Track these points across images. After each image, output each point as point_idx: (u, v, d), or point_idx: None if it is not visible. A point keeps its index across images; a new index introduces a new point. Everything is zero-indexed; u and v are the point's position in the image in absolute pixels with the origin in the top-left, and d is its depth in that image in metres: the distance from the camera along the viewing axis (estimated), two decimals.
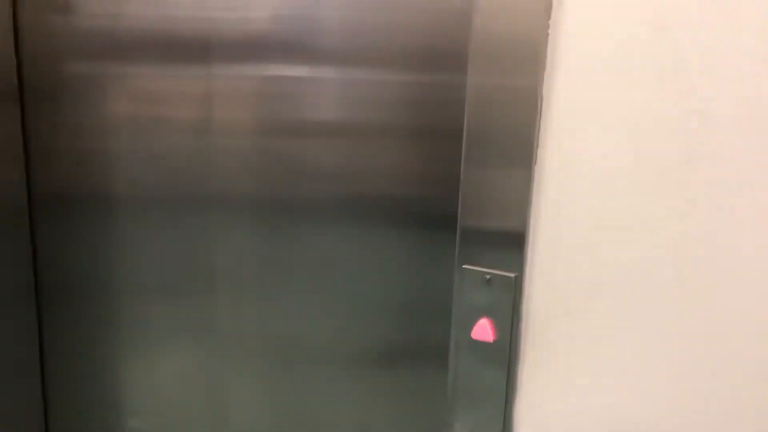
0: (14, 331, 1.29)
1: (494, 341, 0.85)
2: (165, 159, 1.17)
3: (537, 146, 0.79)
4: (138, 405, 1.28)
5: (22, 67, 1.23)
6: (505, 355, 0.84)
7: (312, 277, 1.09)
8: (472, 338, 0.85)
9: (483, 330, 0.84)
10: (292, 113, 1.05)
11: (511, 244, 0.82)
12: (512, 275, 0.82)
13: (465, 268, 0.85)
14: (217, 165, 1.13)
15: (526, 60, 0.78)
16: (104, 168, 1.21)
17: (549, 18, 0.76)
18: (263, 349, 1.17)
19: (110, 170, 1.21)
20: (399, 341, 1.04)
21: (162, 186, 1.18)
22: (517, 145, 0.80)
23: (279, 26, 1.03)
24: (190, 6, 1.09)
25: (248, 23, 1.06)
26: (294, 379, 1.15)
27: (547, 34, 0.77)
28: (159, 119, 1.16)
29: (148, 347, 1.26)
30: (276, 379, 1.17)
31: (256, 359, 1.17)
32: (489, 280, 0.84)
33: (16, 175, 1.26)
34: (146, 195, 1.20)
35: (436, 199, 0.96)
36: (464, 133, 0.82)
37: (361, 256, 1.04)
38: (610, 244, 0.78)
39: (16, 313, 1.29)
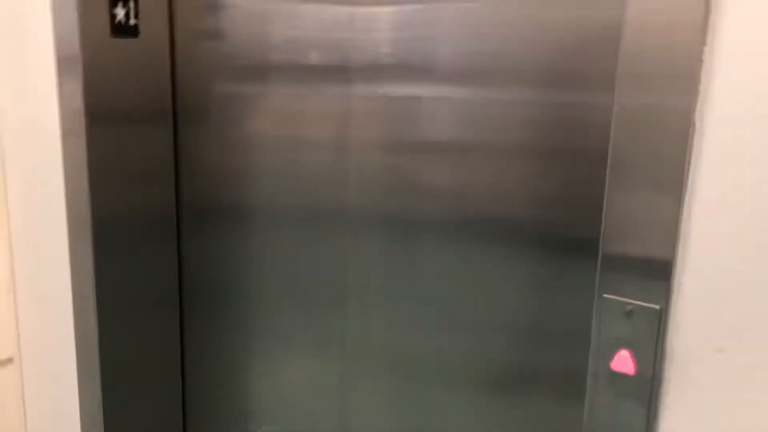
0: (158, 333, 1.38)
1: (635, 374, 0.81)
2: (301, 175, 1.21)
3: (689, 171, 0.76)
4: (269, 411, 1.34)
5: (177, 90, 1.32)
6: (646, 390, 0.81)
7: (444, 296, 1.09)
8: (611, 369, 0.82)
9: (624, 361, 0.81)
10: (431, 133, 1.06)
11: (657, 274, 0.79)
12: (657, 307, 0.79)
13: (606, 297, 0.82)
14: (350, 182, 1.17)
15: (679, 80, 0.75)
16: (246, 183, 1.28)
17: (705, 35, 0.73)
18: (389, 364, 1.18)
19: (251, 186, 1.27)
20: (529, 367, 1.02)
21: (298, 201, 1.23)
22: (667, 169, 0.77)
23: (417, 47, 1.04)
24: (330, 28, 1.12)
25: (384, 45, 1.08)
26: (418, 397, 1.15)
27: (703, 52, 0.74)
28: (297, 137, 1.21)
29: (281, 356, 1.30)
30: (400, 394, 1.18)
31: (383, 374, 1.19)
32: (630, 311, 0.80)
33: (167, 190, 1.35)
34: (283, 210, 1.25)
35: (575, 223, 0.94)
36: (609, 155, 0.80)
37: (494, 278, 1.04)
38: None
39: (161, 316, 1.38)
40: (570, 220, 0.95)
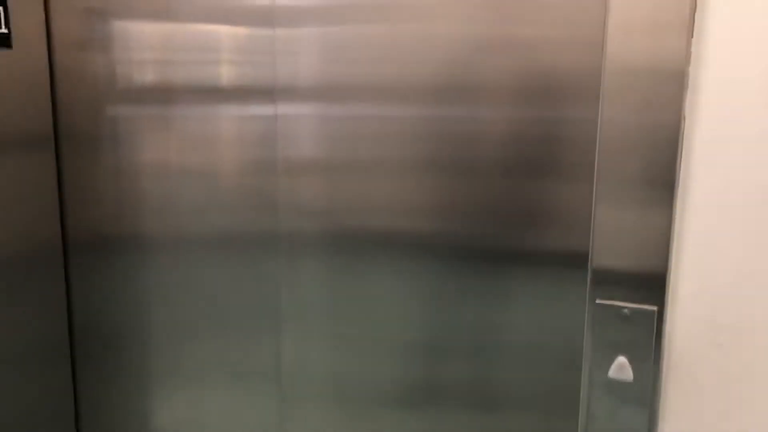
0: (46, 388, 1.19)
1: (634, 380, 0.80)
2: (202, 200, 1.11)
3: (679, 180, 0.76)
4: None
5: (58, 110, 1.15)
6: (646, 394, 0.79)
7: (400, 316, 1.03)
8: (608, 378, 0.80)
9: (622, 368, 0.79)
10: (386, 151, 1.00)
11: (652, 276, 0.78)
12: (653, 308, 0.78)
13: (600, 303, 0.80)
14: (256, 205, 1.09)
15: (665, 93, 0.75)
16: (141, 211, 1.15)
17: (690, 47, 0.74)
18: (330, 394, 1.09)
19: (147, 213, 1.15)
20: (514, 382, 0.98)
21: (202, 227, 1.12)
22: (657, 180, 0.76)
23: (331, 66, 0.98)
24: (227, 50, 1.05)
25: (291, 64, 1.01)
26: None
27: (689, 64, 0.74)
28: (196, 160, 1.11)
29: (201, 397, 1.17)
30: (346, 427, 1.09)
31: (323, 405, 1.10)
32: (627, 315, 0.79)
33: (51, 222, 1.17)
34: (188, 237, 1.13)
35: (565, 234, 0.91)
36: (596, 170, 0.79)
37: (449, 295, 0.99)
38: (761, 273, 0.75)
39: (50, 363, 1.19)
40: (560, 232, 0.92)
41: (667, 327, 0.79)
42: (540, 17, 0.89)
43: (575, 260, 0.88)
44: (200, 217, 1.12)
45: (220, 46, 1.06)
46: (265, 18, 1.02)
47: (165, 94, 1.10)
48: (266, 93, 1.05)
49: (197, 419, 1.19)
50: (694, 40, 0.74)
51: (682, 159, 0.76)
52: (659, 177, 0.77)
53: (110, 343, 1.20)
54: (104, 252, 1.17)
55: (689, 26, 0.74)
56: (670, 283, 0.78)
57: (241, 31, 1.05)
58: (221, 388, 1.15)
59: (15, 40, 1.08)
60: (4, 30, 1.07)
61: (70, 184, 1.17)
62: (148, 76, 1.11)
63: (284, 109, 1.04)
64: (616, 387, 0.81)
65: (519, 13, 0.90)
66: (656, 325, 0.78)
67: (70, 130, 1.15)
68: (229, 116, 1.08)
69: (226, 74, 1.07)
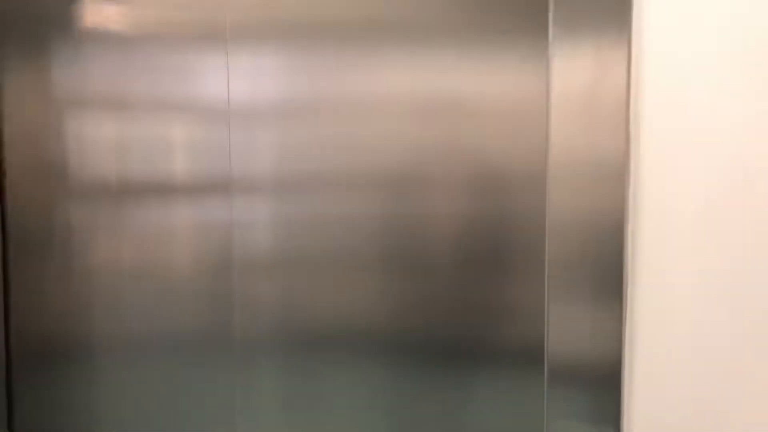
0: None
1: None
2: (156, 303, 1.08)
3: (626, 287, 0.75)
4: None
5: (6, 210, 1.12)
6: None
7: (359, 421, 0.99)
8: None
9: None
10: (326, 244, 0.98)
11: (606, 397, 0.75)
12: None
13: (557, 423, 0.77)
14: (205, 306, 1.06)
15: (608, 187, 0.75)
16: (91, 316, 1.11)
17: (628, 134, 0.73)
18: None
19: (97, 317, 1.11)
20: None
21: (152, 332, 1.09)
22: (605, 278, 0.76)
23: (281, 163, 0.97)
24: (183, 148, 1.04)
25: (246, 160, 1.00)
26: None
27: (629, 159, 0.74)
28: (151, 261, 1.08)
29: None
30: None
31: None
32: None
33: None
34: (136, 342, 1.10)
35: (519, 330, 0.89)
36: (546, 266, 0.77)
37: (405, 400, 0.95)
38: (714, 374, 0.72)
39: None
40: (504, 328, 0.91)
41: None
42: (487, 116, 0.90)
43: (531, 355, 0.87)
44: (153, 318, 1.09)
45: (176, 143, 1.05)
46: (221, 116, 1.01)
47: (118, 192, 1.08)
48: (221, 190, 1.03)
49: None
50: (632, 136, 0.75)
51: (628, 252, 0.74)
52: (607, 273, 0.75)
53: None
54: (51, 360, 1.13)
55: (626, 122, 0.75)
56: (624, 403, 0.75)
57: (197, 128, 1.04)
58: None
59: None
60: None
61: (16, 288, 1.13)
62: (101, 173, 1.09)
63: (239, 206, 1.02)
64: None
65: (467, 115, 0.91)
66: None
67: (19, 230, 1.13)
68: (184, 214, 1.06)
69: (182, 172, 1.05)
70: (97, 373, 1.11)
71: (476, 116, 0.90)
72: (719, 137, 0.73)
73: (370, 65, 0.94)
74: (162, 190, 1.06)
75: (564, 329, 0.78)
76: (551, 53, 0.78)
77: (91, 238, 1.11)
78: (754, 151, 0.72)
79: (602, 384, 0.77)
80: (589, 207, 0.77)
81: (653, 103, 0.74)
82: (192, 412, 1.09)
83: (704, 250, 0.74)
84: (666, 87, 0.74)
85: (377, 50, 0.93)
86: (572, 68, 0.77)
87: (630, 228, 0.76)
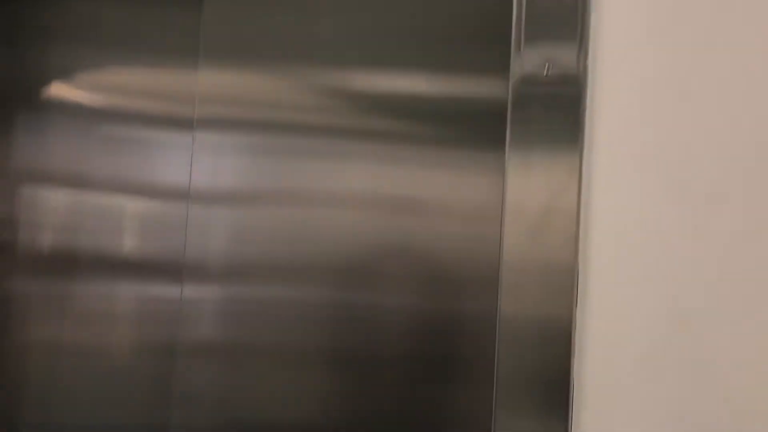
0: None
1: None
2: (92, 388, 1.04)
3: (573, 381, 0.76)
4: None
5: None
6: None
7: None
8: None
9: None
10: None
11: None
12: None
13: None
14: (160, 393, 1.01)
15: (557, 288, 0.77)
16: (23, 399, 1.04)
17: (578, 245, 0.77)
18: None
19: (30, 401, 1.05)
20: None
21: (86, 419, 1.04)
22: (552, 382, 0.77)
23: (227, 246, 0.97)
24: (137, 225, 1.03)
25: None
26: None
27: (577, 260, 0.77)
28: (86, 343, 1.04)
29: None
30: None
31: None
32: None
33: None
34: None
35: None
36: (495, 370, 0.78)
37: None
38: None
39: None
40: None
41: None
42: (441, 215, 0.92)
43: None
44: (88, 404, 1.04)
45: (133, 220, 1.04)
46: (182, 196, 1.01)
47: (67, 267, 1.05)
48: (173, 271, 1.01)
49: None
50: (581, 237, 0.78)
51: (575, 357, 0.76)
52: (554, 379, 0.76)
53: None
54: None
55: (575, 238, 0.78)
56: None
57: (157, 206, 1.03)
58: None
59: None
60: None
61: None
62: (52, 246, 1.06)
63: (190, 288, 1.00)
64: None
65: (424, 216, 0.93)
66: None
67: None
68: (132, 294, 1.04)
69: (136, 248, 1.04)
70: None
71: (433, 217, 0.93)
72: (662, 244, 0.77)
73: (333, 163, 0.96)
74: (112, 267, 1.04)
75: None
76: (507, 166, 0.82)
77: (32, 312, 1.07)
78: (691, 282, 0.76)
79: None
80: (539, 314, 0.78)
81: (600, 219, 0.78)
82: None
83: (648, 368, 0.76)
84: (613, 207, 0.78)
85: (341, 149, 0.96)
86: (526, 182, 0.80)
87: (576, 340, 0.77)
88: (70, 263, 1.05)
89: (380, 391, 0.94)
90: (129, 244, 1.04)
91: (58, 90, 1.06)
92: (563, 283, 0.78)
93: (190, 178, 1.00)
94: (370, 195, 0.95)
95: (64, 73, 1.06)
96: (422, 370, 0.92)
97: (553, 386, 0.77)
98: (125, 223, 1.04)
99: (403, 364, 0.93)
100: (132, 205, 1.04)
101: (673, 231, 0.76)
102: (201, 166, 1.00)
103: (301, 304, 0.97)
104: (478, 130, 0.92)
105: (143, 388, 1.02)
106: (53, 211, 1.06)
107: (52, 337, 1.05)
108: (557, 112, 0.80)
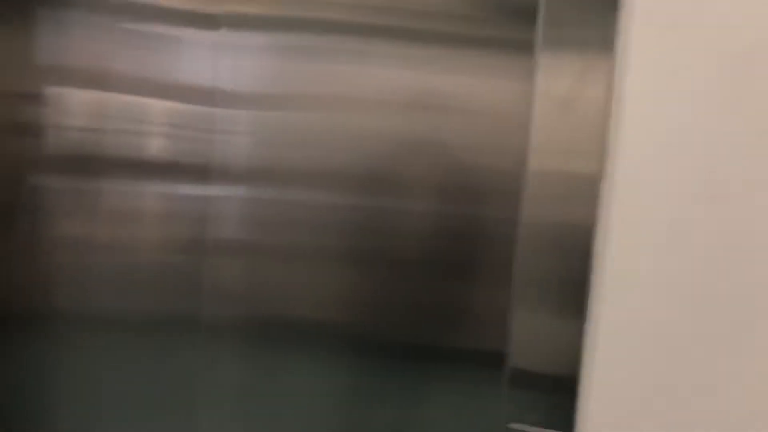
0: None
1: None
2: (128, 280, 1.08)
3: (591, 299, 0.78)
4: None
5: None
6: None
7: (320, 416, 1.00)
8: None
9: None
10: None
11: (563, 404, 0.78)
12: None
13: (512, 427, 0.80)
14: (189, 288, 1.05)
15: (582, 200, 0.78)
16: (55, 288, 1.10)
17: (606, 157, 0.77)
18: None
19: (61, 290, 1.10)
20: None
21: (118, 308, 1.08)
22: (570, 287, 0.79)
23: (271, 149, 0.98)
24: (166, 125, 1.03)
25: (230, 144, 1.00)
26: None
27: (604, 172, 0.77)
28: (121, 237, 1.07)
29: None
30: None
31: None
32: None
33: None
34: (99, 318, 1.09)
35: (481, 334, 0.91)
36: (513, 272, 0.80)
37: (370, 397, 0.97)
38: (668, 407, 0.76)
39: None
40: (466, 331, 0.93)
41: None
42: (467, 118, 0.91)
43: (491, 360, 0.89)
44: (119, 296, 1.08)
45: (158, 120, 1.04)
46: (208, 97, 1.01)
47: (95, 166, 1.06)
48: (201, 171, 1.03)
49: None
50: (608, 156, 0.78)
51: (595, 264, 0.77)
52: (574, 286, 0.79)
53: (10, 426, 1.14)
54: (9, 328, 1.11)
55: (604, 135, 0.78)
56: (581, 411, 0.78)
57: (182, 107, 1.03)
58: None
59: None
60: None
61: None
62: (79, 145, 1.08)
63: (218, 188, 1.02)
64: None
65: (450, 114, 0.92)
66: None
67: None
68: (161, 192, 1.06)
69: (162, 149, 1.05)
70: (57, 348, 1.10)
71: (458, 115, 0.92)
72: (694, 152, 0.76)
73: (356, 60, 0.95)
74: (141, 165, 1.06)
75: (526, 334, 0.81)
76: (538, 58, 0.80)
77: (61, 210, 1.09)
78: (727, 169, 0.75)
79: (560, 389, 0.80)
80: (561, 217, 0.80)
81: (632, 116, 0.77)
82: (151, 393, 1.08)
83: (670, 263, 0.77)
84: (645, 100, 0.76)
85: (364, 45, 0.95)
86: (557, 75, 0.79)
87: (600, 241, 0.78)
88: (96, 163, 1.06)
89: (398, 289, 0.97)
90: (155, 144, 1.05)
91: None
92: (588, 184, 0.78)
93: (215, 78, 1.00)
94: (397, 95, 0.94)
95: None
96: (442, 269, 0.95)
97: (572, 283, 0.79)
98: (152, 123, 1.04)
99: (423, 263, 0.95)
100: (158, 105, 1.04)
101: (709, 119, 0.75)
102: (225, 65, 1.00)
103: (325, 205, 0.98)
104: (508, 19, 0.89)
105: (176, 282, 1.06)
106: (79, 111, 1.06)
107: (86, 233, 1.08)
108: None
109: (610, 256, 0.77)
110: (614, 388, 0.77)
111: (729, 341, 0.76)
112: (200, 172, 1.03)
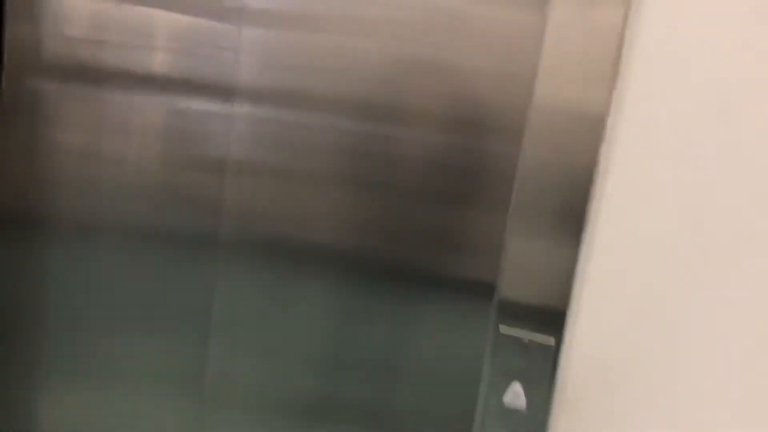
0: None
1: (527, 408, 0.82)
2: (133, 192, 1.09)
3: (588, 221, 0.80)
4: None
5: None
6: (537, 424, 0.82)
7: (325, 333, 1.04)
8: (503, 405, 0.83)
9: (516, 396, 0.82)
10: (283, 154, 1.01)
11: (553, 310, 0.81)
12: (551, 341, 0.81)
13: (502, 332, 0.83)
14: (199, 204, 1.07)
15: (585, 138, 0.80)
16: (64, 194, 1.12)
17: (613, 90, 0.78)
18: (258, 407, 1.09)
19: (72, 197, 1.12)
20: (417, 406, 0.99)
21: (130, 219, 1.10)
22: (567, 220, 0.81)
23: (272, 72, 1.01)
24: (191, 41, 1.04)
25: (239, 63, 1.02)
26: None
27: (608, 113, 0.79)
28: (130, 149, 1.09)
29: (104, 395, 1.14)
30: None
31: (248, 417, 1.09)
32: (527, 344, 0.82)
33: None
34: (112, 227, 1.11)
35: (474, 262, 0.94)
36: (511, 203, 0.82)
37: (379, 316, 1.00)
38: (655, 320, 0.79)
39: None
40: (469, 259, 0.94)
41: (562, 361, 0.82)
42: (475, 47, 0.91)
43: (482, 288, 0.91)
44: (135, 207, 1.10)
45: (183, 35, 1.05)
46: (236, 15, 1.01)
47: (119, 77, 1.07)
48: (226, 90, 1.04)
49: (107, 420, 1.15)
50: (616, 91, 0.78)
51: (593, 203, 0.80)
52: (570, 217, 0.80)
53: (15, 333, 1.17)
54: (14, 233, 1.13)
55: (613, 77, 0.78)
56: (569, 320, 0.81)
57: (207, 24, 1.03)
58: (138, 389, 1.13)
59: None
60: None
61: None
62: (90, 57, 1.09)
63: (241, 108, 1.03)
64: (510, 414, 0.83)
65: (458, 40, 0.92)
66: (553, 357, 0.81)
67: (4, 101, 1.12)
68: (188, 109, 1.06)
69: (187, 66, 1.05)
70: (71, 259, 1.12)
71: (467, 37, 0.91)
72: (706, 89, 0.76)
73: None
74: (165, 81, 1.06)
75: (518, 268, 0.83)
76: None
77: (77, 118, 1.10)
78: (743, 111, 0.75)
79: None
80: (563, 153, 0.80)
81: (645, 46, 0.77)
82: (165, 309, 1.10)
83: (662, 217, 0.79)
84: (660, 31, 0.76)
85: None
86: (571, 7, 0.81)
87: (599, 181, 0.80)
88: (121, 74, 1.08)
89: (397, 213, 0.98)
90: (182, 60, 1.06)
91: None
92: (593, 125, 0.79)
93: None
94: (399, 12, 0.94)
95: None
96: (442, 197, 0.95)
97: (568, 219, 0.80)
98: (176, 39, 1.06)
99: (423, 188, 0.96)
100: (183, 21, 1.05)
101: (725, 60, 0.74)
102: None
103: (324, 128, 0.99)
104: None
105: (195, 199, 1.07)
106: (100, 25, 1.08)
107: (105, 148, 1.11)
108: None
109: (610, 189, 0.80)
110: (604, 302, 0.80)
111: (721, 274, 0.78)
112: (224, 90, 1.03)
